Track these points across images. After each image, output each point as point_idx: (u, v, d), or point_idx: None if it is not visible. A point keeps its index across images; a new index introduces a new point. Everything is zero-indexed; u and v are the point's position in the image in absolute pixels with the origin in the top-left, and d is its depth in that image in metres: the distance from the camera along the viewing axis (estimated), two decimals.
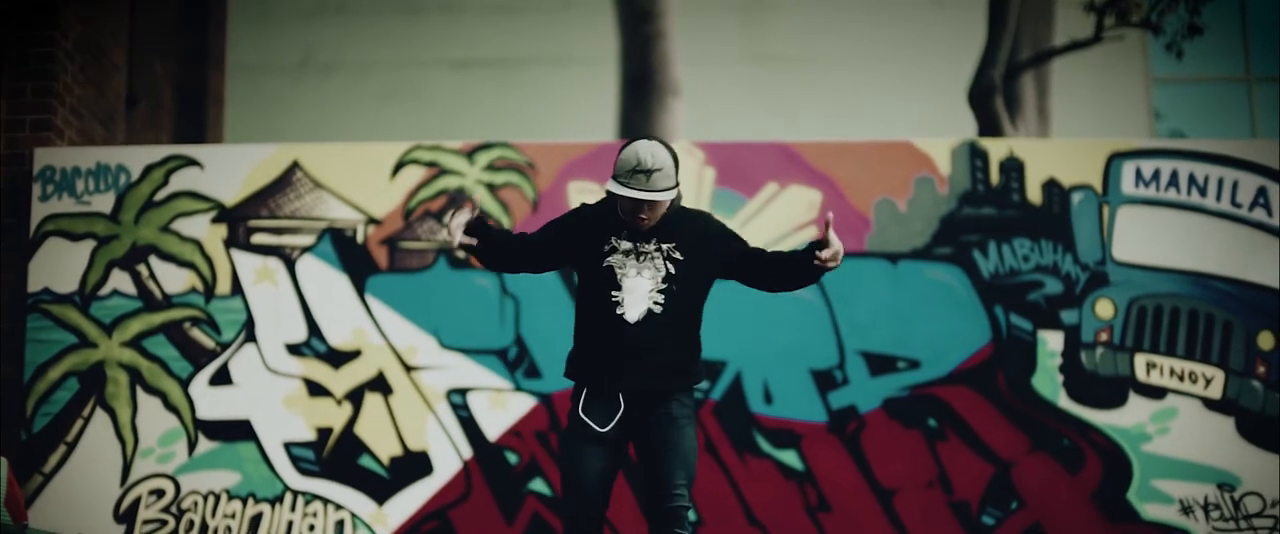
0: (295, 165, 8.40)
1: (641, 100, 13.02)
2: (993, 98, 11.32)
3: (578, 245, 5.46)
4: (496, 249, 5.41)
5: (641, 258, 5.38)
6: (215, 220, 8.35)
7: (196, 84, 12.46)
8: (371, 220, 8.35)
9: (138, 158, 8.45)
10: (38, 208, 8.35)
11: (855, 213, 8.33)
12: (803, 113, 14.98)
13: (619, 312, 5.34)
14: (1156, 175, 8.35)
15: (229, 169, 8.41)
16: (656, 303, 5.34)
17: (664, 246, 5.39)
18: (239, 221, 8.36)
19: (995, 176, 8.37)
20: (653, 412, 5.34)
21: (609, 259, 5.38)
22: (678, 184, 5.35)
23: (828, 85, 15.53)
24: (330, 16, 15.61)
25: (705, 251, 5.44)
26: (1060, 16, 12.27)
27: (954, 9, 15.07)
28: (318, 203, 8.37)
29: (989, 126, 11.35)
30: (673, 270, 5.37)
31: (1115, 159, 8.38)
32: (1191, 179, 8.35)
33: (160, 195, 8.38)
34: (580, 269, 5.49)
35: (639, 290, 5.35)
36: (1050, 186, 8.37)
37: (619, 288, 5.36)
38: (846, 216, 8.30)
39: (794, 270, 5.39)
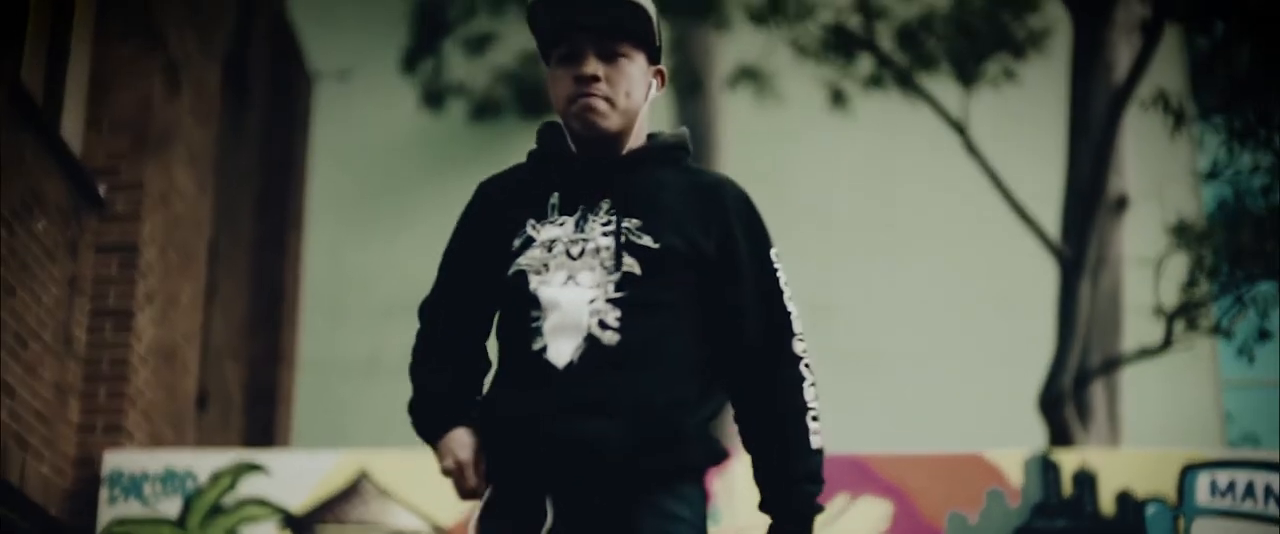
0: (362, 474, 8.40)
1: None
2: (1063, 406, 11.26)
3: (485, 254, 3.15)
4: (471, 391, 3.18)
5: (577, 253, 3.02)
6: (282, 526, 8.33)
7: (266, 383, 12.61)
8: (438, 529, 8.30)
9: (205, 462, 8.47)
10: (104, 511, 8.35)
11: (927, 526, 8.21)
12: (868, 409, 14.94)
13: (536, 347, 3.00)
14: (1232, 487, 8.23)
15: (296, 475, 8.41)
16: (604, 324, 2.97)
17: (623, 226, 3.03)
18: (305, 529, 8.32)
19: (1068, 488, 8.27)
20: (623, 513, 2.94)
21: (521, 259, 3.06)
22: (657, 47, 3.16)
23: (896, 383, 15.55)
24: (400, 316, 15.79)
25: (699, 233, 3.08)
26: (1129, 322, 12.26)
27: (1021, 315, 15.14)
28: (384, 511, 8.34)
29: (1059, 434, 11.26)
30: (636, 267, 3.00)
31: (1189, 470, 8.26)
32: (1268, 490, 8.21)
33: (227, 501, 8.38)
34: (490, 290, 3.16)
35: (570, 306, 2.98)
36: (1124, 498, 8.25)
37: (537, 307, 3.01)
38: (918, 530, 8.19)
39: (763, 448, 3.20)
